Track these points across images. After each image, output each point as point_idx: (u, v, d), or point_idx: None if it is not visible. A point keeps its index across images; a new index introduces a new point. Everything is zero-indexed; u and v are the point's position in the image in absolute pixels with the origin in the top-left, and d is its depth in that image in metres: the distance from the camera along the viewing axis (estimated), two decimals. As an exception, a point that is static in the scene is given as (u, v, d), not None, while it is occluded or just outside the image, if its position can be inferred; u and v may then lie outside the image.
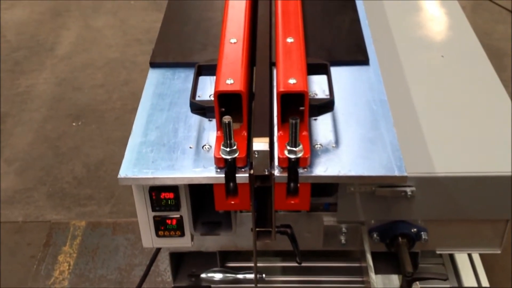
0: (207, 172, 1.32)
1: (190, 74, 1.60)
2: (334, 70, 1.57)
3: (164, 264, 2.64)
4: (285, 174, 1.30)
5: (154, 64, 1.68)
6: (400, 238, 1.60)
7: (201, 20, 1.83)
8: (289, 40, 1.49)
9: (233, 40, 1.49)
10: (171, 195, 1.40)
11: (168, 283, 2.54)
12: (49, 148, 3.42)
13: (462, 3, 2.17)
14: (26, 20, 4.69)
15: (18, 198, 3.10)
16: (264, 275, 1.71)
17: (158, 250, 1.88)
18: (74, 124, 3.60)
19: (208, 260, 1.80)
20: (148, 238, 1.49)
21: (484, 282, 1.90)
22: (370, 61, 1.64)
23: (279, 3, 1.67)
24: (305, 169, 1.31)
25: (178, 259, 1.88)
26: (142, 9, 4.79)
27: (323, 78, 1.54)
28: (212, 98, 1.40)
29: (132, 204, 1.43)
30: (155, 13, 4.61)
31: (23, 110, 3.74)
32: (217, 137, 1.35)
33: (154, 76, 1.64)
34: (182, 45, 1.73)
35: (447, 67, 1.85)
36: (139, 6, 4.83)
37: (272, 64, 1.55)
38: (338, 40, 1.72)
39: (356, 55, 1.66)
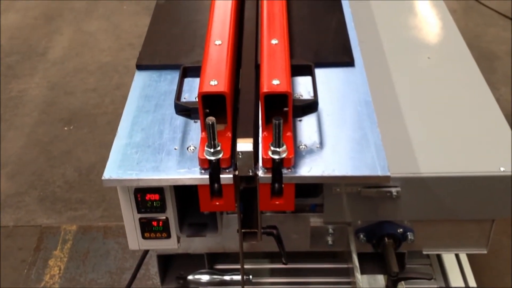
0: (192, 173, 1.32)
1: (176, 76, 1.60)
2: (320, 72, 1.58)
3: (154, 268, 2.63)
4: (269, 175, 1.30)
5: (140, 67, 1.69)
6: (386, 239, 1.60)
7: (188, 23, 1.84)
8: (274, 41, 1.50)
9: (218, 42, 1.50)
10: (156, 197, 1.40)
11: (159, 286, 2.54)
12: (41, 152, 3.42)
13: (453, 6, 2.19)
14: (19, 25, 4.70)
15: (9, 202, 3.10)
16: (251, 277, 1.71)
17: (145, 253, 1.88)
18: (66, 128, 3.60)
19: (196, 262, 1.81)
20: (134, 240, 1.48)
21: (472, 282, 1.91)
22: (356, 63, 1.65)
23: (265, 5, 1.67)
24: (289, 170, 1.31)
25: (167, 262, 1.88)
26: (135, 14, 4.80)
27: (308, 79, 1.54)
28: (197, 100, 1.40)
29: (123, 208, 1.43)
30: (148, 18, 4.59)
31: (15, 115, 3.74)
32: (202, 138, 1.36)
33: (140, 78, 1.65)
34: (169, 48, 1.74)
35: (433, 68, 1.86)
36: (131, 11, 4.84)
37: (258, 66, 1.55)
38: (324, 42, 1.73)
39: (342, 57, 1.67)
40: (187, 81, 1.57)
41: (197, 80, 1.53)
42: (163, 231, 1.45)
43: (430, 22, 2.11)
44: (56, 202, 3.08)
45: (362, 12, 2.09)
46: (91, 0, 4.98)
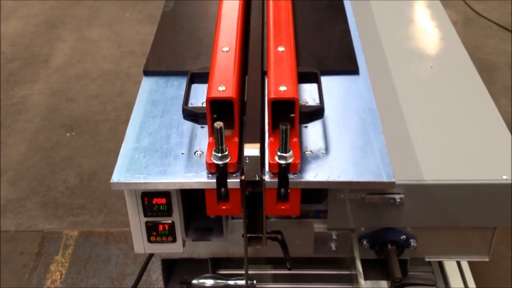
0: (199, 177, 1.34)
1: (183, 82, 1.63)
2: (325, 79, 1.60)
3: (156, 274, 2.64)
4: (276, 180, 1.32)
5: (147, 73, 1.70)
6: (389, 245, 1.62)
7: (194, 30, 1.86)
8: (280, 49, 1.52)
9: (225, 49, 1.52)
10: (163, 201, 1.41)
11: (161, 292, 2.55)
12: (43, 158, 3.43)
13: (453, 18, 2.22)
14: (21, 32, 4.72)
15: (11, 207, 3.11)
16: (255, 282, 1.72)
17: (149, 257, 1.89)
18: (67, 134, 3.61)
19: (200, 267, 1.82)
20: (140, 244, 1.50)
21: (473, 289, 1.93)
22: (360, 71, 1.67)
23: (271, 13, 1.70)
24: (295, 175, 1.32)
25: (170, 267, 1.89)
26: (137, 22, 4.83)
27: (314, 86, 1.56)
28: (205, 105, 1.42)
29: (124, 214, 1.44)
30: (150, 26, 4.65)
31: (17, 121, 3.75)
32: (209, 143, 1.37)
33: (147, 84, 1.67)
34: (175, 54, 1.76)
35: (436, 77, 1.88)
36: (134, 19, 4.87)
37: (264, 73, 1.57)
38: (329, 50, 1.75)
39: (346, 65, 1.69)
40: (193, 87, 1.59)
41: (203, 86, 1.55)
42: (169, 235, 1.47)
43: (433, 32, 2.13)
44: (58, 208, 3.09)
45: (366, 22, 2.12)
46: (93, 8, 5.01)
